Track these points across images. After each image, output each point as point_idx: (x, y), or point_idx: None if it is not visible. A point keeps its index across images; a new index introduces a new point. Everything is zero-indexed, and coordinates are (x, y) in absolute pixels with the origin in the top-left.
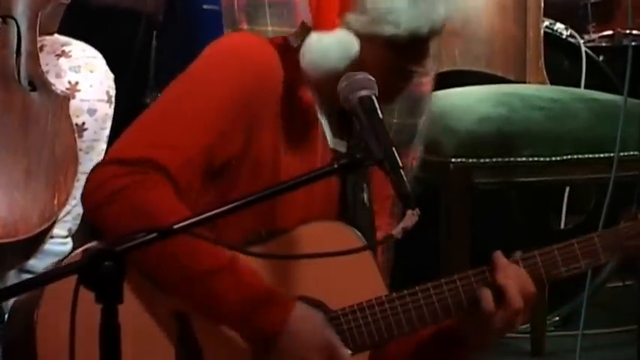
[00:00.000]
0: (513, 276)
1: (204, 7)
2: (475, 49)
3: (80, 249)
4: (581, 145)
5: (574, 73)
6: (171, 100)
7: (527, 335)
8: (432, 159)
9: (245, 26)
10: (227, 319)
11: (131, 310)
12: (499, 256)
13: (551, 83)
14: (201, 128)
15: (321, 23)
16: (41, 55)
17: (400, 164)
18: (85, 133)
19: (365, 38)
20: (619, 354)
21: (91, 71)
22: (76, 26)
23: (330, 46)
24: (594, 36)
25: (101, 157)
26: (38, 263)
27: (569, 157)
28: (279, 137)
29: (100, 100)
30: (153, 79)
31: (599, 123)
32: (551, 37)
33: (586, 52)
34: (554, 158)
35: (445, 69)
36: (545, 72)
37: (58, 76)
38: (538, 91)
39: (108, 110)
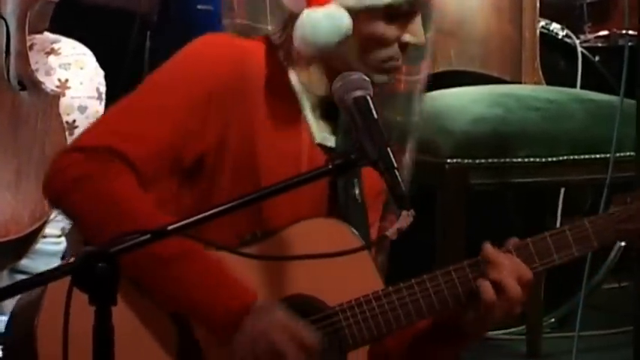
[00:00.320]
0: (507, 265)
1: (199, 7)
2: (470, 49)
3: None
4: (577, 146)
5: (570, 74)
6: (139, 94)
7: (523, 337)
8: (427, 160)
9: (244, 21)
10: (187, 306)
11: (128, 313)
12: (488, 249)
13: (547, 84)
14: (165, 123)
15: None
16: (31, 54)
17: (395, 165)
18: (76, 131)
19: (357, 12)
20: (615, 355)
21: (81, 68)
22: (69, 26)
23: (319, 20)
24: (590, 36)
25: None
26: (31, 263)
27: (565, 157)
28: (260, 134)
29: (90, 97)
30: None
31: (595, 124)
32: (547, 38)
33: (582, 52)
34: (550, 159)
35: (440, 69)
36: (541, 72)
37: (48, 73)
38: (534, 91)
39: (99, 107)
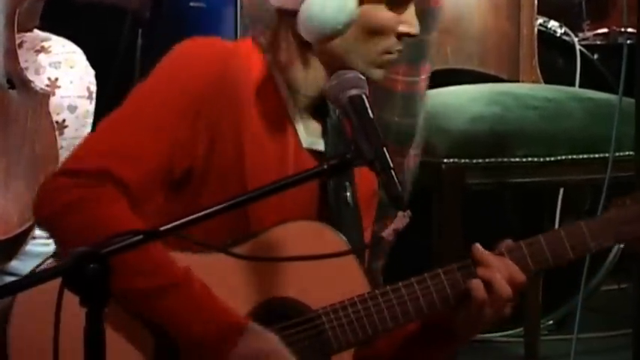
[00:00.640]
0: (497, 265)
1: (191, 4)
2: (468, 47)
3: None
4: (576, 145)
5: (568, 72)
6: (126, 110)
7: (521, 339)
8: (423, 159)
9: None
10: (180, 336)
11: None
12: (478, 249)
13: (545, 82)
14: (155, 138)
15: None
16: (20, 52)
17: (391, 165)
18: (66, 131)
19: None
20: (614, 358)
21: (71, 67)
22: (59, 24)
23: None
24: (589, 34)
25: None
26: (21, 265)
27: (563, 157)
28: (247, 139)
29: (80, 97)
30: (138, 78)
31: (593, 122)
32: (545, 35)
33: (580, 50)
34: (548, 158)
35: (437, 67)
36: (539, 71)
37: (38, 72)
38: (532, 90)
39: (89, 107)
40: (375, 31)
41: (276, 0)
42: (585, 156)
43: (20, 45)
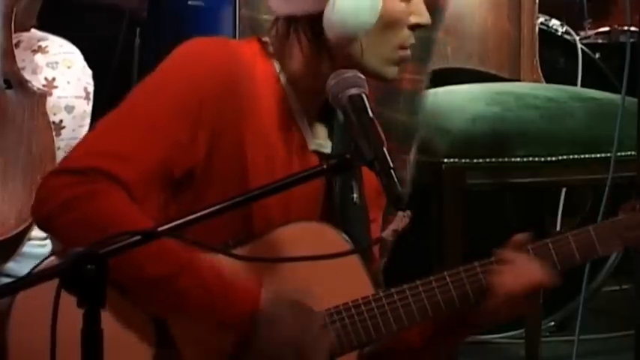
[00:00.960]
0: (519, 263)
1: (189, 3)
2: (468, 46)
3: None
4: (578, 145)
5: (570, 71)
6: (127, 109)
7: (522, 340)
8: (423, 159)
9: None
10: (196, 319)
11: (107, 316)
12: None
13: (547, 81)
14: (155, 139)
15: None
16: (17, 52)
17: (391, 165)
18: (63, 131)
19: None
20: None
21: (69, 67)
22: (56, 22)
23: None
24: (590, 33)
25: None
26: (17, 266)
27: (565, 157)
28: (250, 142)
29: (77, 97)
30: (136, 78)
31: (595, 122)
32: (546, 34)
33: (582, 49)
34: (549, 158)
35: (437, 67)
36: (540, 70)
37: (35, 72)
38: (533, 89)
39: (86, 107)
40: (389, 24)
41: (286, 7)
42: (587, 156)
43: (17, 45)
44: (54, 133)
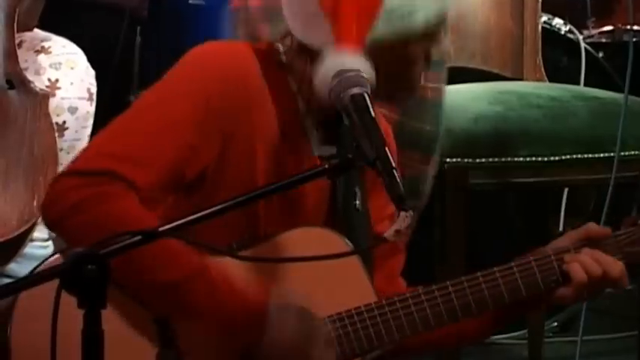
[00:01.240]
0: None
1: (190, 1)
2: (470, 45)
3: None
4: (581, 145)
5: (573, 70)
6: (138, 111)
7: (525, 341)
8: None
9: (266, 31)
10: (203, 323)
11: (110, 316)
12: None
13: (550, 80)
14: (166, 142)
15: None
16: (20, 52)
17: (393, 164)
18: (66, 133)
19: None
20: None
21: (72, 68)
22: (57, 21)
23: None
24: (594, 32)
25: None
26: (18, 267)
27: (568, 157)
28: (260, 146)
29: (81, 98)
30: (137, 77)
31: (599, 122)
32: (549, 33)
33: (585, 48)
34: (552, 158)
35: None
36: (543, 69)
37: (38, 73)
38: (536, 88)
39: (89, 108)
40: None
41: (301, 34)
42: (590, 155)
43: (20, 45)
44: (57, 135)
